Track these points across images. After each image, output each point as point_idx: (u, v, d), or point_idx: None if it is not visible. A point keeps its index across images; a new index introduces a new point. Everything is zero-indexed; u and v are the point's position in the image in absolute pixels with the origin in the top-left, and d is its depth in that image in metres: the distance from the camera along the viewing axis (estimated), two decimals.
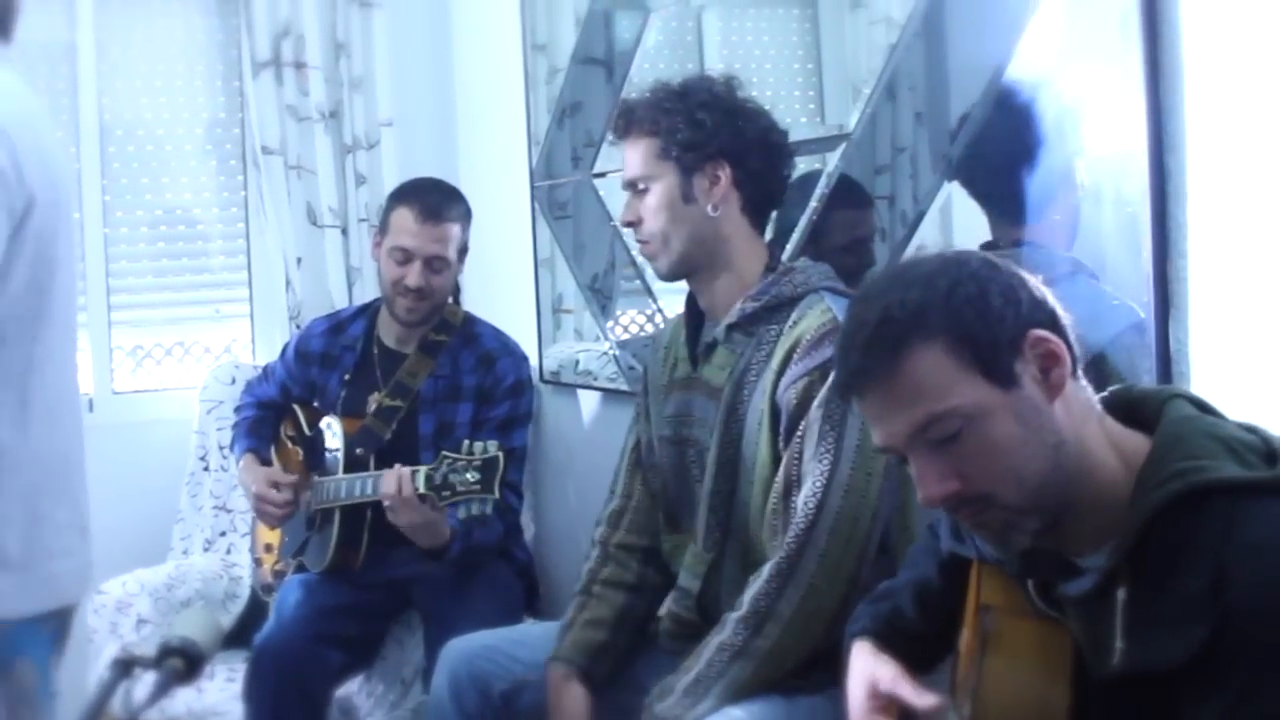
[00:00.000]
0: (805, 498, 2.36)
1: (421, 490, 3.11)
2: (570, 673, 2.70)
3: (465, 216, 3.64)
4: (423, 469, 3.12)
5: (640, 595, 2.79)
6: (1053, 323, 1.66)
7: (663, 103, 2.58)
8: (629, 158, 2.63)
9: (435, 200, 3.60)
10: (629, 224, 2.66)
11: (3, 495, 1.97)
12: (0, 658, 1.96)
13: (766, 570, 2.38)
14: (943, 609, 1.92)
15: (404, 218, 3.57)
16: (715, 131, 2.54)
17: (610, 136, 2.79)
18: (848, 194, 2.88)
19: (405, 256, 3.55)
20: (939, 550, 1.96)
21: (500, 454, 3.05)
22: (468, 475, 3.05)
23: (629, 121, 2.63)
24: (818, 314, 2.45)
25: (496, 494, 3.06)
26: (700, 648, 2.42)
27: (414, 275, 3.54)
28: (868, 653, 1.94)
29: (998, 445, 1.61)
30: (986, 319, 1.62)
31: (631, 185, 2.63)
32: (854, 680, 1.93)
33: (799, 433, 2.40)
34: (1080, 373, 1.69)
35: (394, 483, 3.18)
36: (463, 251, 3.65)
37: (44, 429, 2.03)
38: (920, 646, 1.95)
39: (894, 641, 1.95)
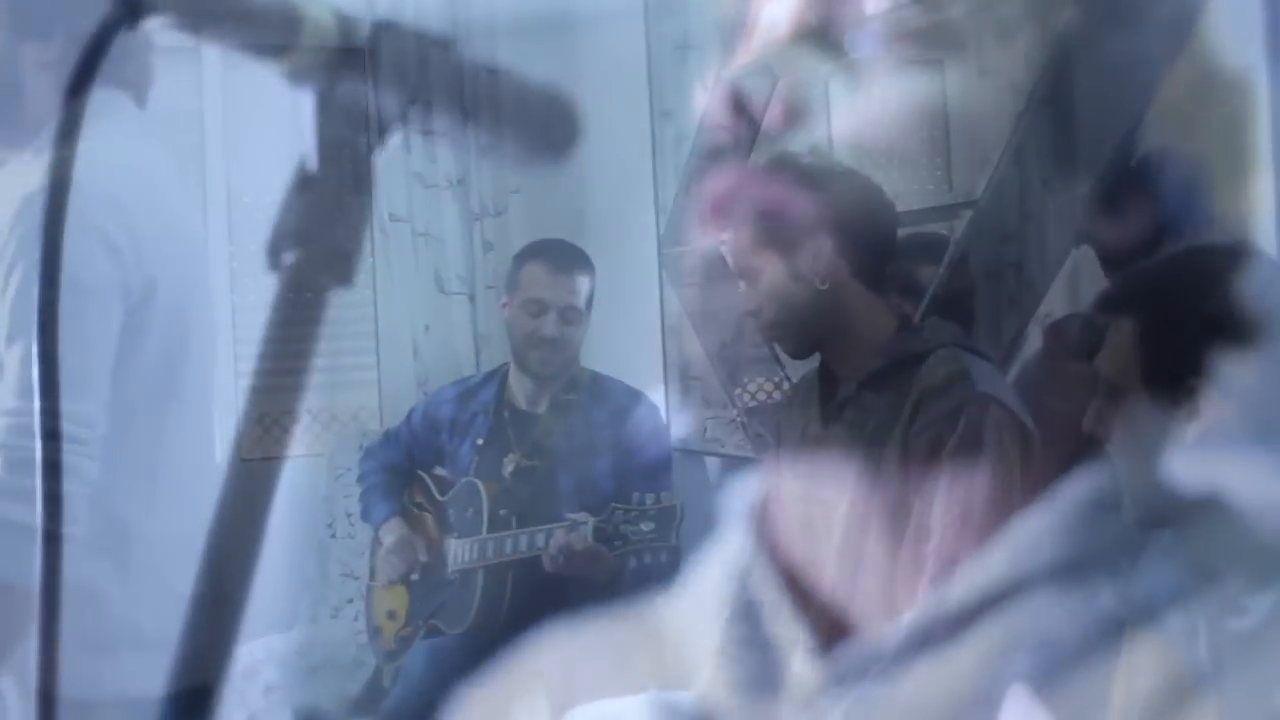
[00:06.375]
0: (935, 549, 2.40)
1: (590, 541, 3.23)
2: None
3: (592, 271, 3.81)
4: (591, 520, 3.25)
5: None
6: None
7: (747, 189, 2.65)
8: (733, 250, 2.71)
9: (566, 253, 3.81)
10: (750, 314, 2.72)
11: (133, 573, 1.99)
12: None
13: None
14: None
15: (536, 271, 3.76)
16: (805, 208, 2.58)
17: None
18: None
19: (540, 308, 3.71)
20: None
21: (678, 504, 3.19)
22: (642, 526, 3.18)
23: (721, 214, 2.72)
24: (948, 364, 2.49)
25: (675, 541, 3.18)
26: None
27: (550, 325, 3.70)
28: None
29: None
30: None
31: (742, 275, 2.70)
32: None
33: (930, 482, 2.46)
34: None
35: (563, 536, 3.31)
36: (589, 305, 3.80)
37: (174, 506, 2.03)
38: None
39: None
